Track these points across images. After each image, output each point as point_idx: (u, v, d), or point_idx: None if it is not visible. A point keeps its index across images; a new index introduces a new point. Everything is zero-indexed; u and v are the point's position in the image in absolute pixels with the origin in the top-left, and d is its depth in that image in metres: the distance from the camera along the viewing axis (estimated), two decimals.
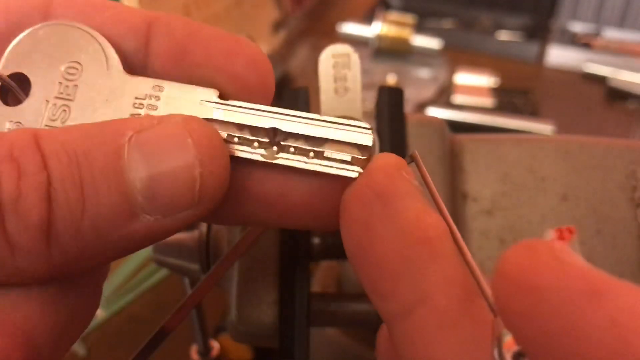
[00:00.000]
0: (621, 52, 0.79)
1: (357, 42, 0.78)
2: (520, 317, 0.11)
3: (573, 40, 0.82)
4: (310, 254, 0.23)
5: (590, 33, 0.84)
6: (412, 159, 0.16)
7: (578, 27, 0.86)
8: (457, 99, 0.70)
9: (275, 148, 0.15)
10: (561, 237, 0.25)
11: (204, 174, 0.14)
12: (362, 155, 0.15)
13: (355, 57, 0.22)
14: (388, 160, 0.15)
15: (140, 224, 0.13)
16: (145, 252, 0.51)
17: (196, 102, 0.15)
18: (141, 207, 0.13)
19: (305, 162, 0.15)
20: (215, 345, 0.34)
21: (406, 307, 0.13)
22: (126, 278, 0.49)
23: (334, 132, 0.15)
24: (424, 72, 0.76)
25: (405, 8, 0.88)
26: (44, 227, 0.12)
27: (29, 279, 0.13)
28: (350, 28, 0.82)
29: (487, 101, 0.70)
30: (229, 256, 0.22)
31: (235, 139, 0.15)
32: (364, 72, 0.75)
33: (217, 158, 0.14)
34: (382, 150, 0.23)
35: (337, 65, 0.22)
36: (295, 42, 0.80)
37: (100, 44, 0.16)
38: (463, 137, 0.26)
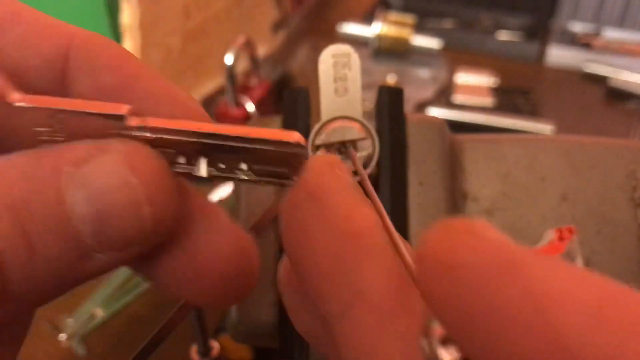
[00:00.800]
0: (621, 52, 0.79)
1: (357, 42, 0.77)
2: (439, 299, 0.10)
3: (573, 40, 0.82)
4: None
5: (590, 33, 0.84)
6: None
7: (578, 27, 0.86)
8: (457, 98, 0.70)
9: (203, 166, 0.15)
10: (561, 237, 0.25)
11: (154, 210, 0.13)
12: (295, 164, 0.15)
13: (355, 57, 0.22)
14: (320, 159, 0.15)
15: (94, 262, 0.13)
16: None
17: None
18: (92, 248, 0.13)
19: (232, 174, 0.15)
20: (215, 345, 0.34)
21: (344, 307, 0.13)
22: (126, 278, 0.49)
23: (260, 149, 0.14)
24: (424, 72, 0.76)
25: (405, 8, 0.88)
26: None
27: None
28: (350, 28, 0.82)
29: (487, 101, 0.70)
30: None
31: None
32: (364, 72, 0.75)
33: (164, 189, 0.14)
34: (382, 150, 0.23)
35: (337, 65, 0.22)
36: (295, 42, 0.80)
37: None
38: (463, 137, 0.26)
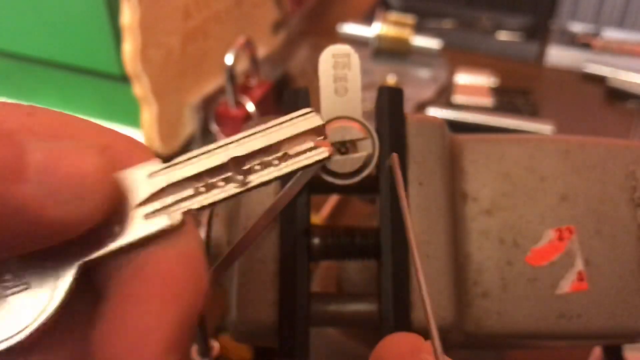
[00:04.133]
0: (621, 52, 0.79)
1: (357, 42, 0.78)
2: None
3: (573, 41, 0.82)
4: (310, 254, 0.23)
5: (590, 33, 0.84)
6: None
7: (578, 27, 0.86)
8: (457, 99, 0.70)
9: (241, 177, 0.15)
10: (560, 237, 0.25)
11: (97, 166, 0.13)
12: (320, 136, 0.16)
13: (355, 57, 0.22)
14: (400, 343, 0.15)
15: (25, 188, 0.12)
16: None
17: (144, 177, 0.15)
18: (31, 174, 0.13)
19: (277, 170, 0.16)
20: (215, 345, 0.34)
21: None
22: None
23: (285, 132, 0.16)
24: (423, 72, 0.76)
25: (405, 8, 0.88)
26: None
27: None
28: (350, 28, 0.82)
29: (487, 101, 0.70)
30: (229, 256, 0.22)
31: (202, 189, 0.15)
32: (364, 72, 0.75)
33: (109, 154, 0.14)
34: (382, 149, 0.23)
35: (337, 66, 0.22)
36: (295, 43, 0.80)
37: None
38: (463, 137, 0.26)
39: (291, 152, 0.16)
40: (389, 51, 0.77)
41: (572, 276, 0.24)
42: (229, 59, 0.53)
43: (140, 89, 0.51)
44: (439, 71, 0.76)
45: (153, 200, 0.15)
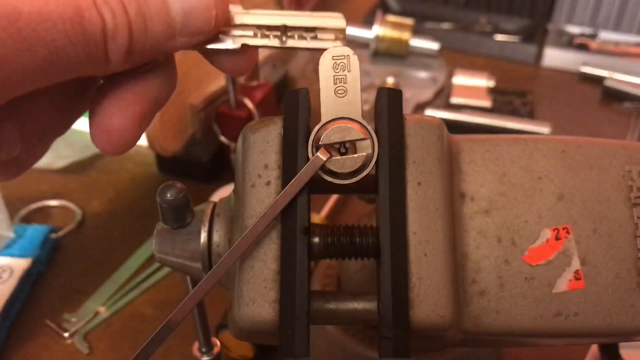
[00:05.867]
0: (617, 54, 0.80)
1: (356, 45, 0.78)
2: None
3: (570, 42, 0.83)
4: (311, 252, 0.23)
5: (586, 35, 0.84)
6: None
7: (575, 29, 0.86)
8: (455, 100, 0.71)
9: (284, 38, 0.23)
10: (557, 237, 0.25)
11: (218, 13, 0.21)
12: (341, 35, 0.23)
13: (354, 59, 0.23)
14: None
15: (176, 41, 0.21)
16: (148, 251, 0.51)
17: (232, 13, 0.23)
18: (179, 32, 0.21)
19: (305, 42, 0.23)
20: (216, 342, 0.34)
21: None
22: (129, 276, 0.50)
23: (320, 21, 0.23)
24: (422, 74, 0.77)
25: (404, 11, 0.88)
26: (127, 47, 0.20)
27: (112, 71, 0.21)
28: (349, 30, 0.82)
29: (485, 102, 0.70)
30: (230, 255, 0.22)
31: (258, 35, 0.23)
32: (364, 73, 0.75)
33: (225, 8, 0.22)
34: (381, 150, 0.23)
35: (337, 67, 0.23)
36: None
37: None
38: (461, 138, 0.26)
39: (319, 36, 0.23)
40: (388, 53, 0.78)
41: (569, 275, 0.24)
42: None
43: None
44: (437, 73, 0.76)
45: (231, 30, 0.23)
